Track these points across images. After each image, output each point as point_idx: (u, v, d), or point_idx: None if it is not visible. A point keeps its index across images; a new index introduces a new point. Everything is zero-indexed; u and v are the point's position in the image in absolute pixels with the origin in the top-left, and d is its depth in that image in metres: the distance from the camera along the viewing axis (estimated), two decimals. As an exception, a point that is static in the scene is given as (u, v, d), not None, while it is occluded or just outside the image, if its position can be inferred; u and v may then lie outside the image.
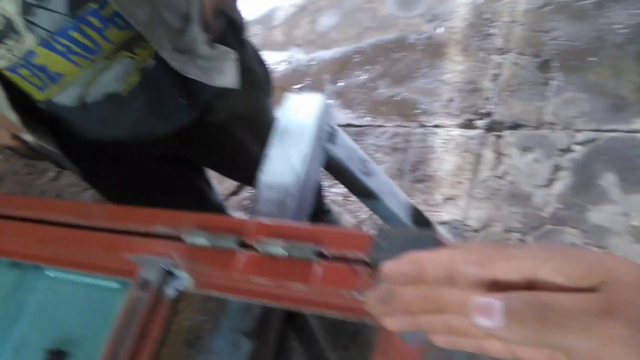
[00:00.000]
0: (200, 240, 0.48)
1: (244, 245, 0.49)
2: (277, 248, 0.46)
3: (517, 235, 1.56)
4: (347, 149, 0.68)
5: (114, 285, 0.57)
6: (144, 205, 1.01)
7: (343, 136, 0.67)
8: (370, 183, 0.70)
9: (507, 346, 0.27)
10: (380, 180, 0.72)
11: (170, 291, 0.50)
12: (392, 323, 0.31)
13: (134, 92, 0.77)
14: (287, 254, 0.45)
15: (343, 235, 0.46)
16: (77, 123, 0.80)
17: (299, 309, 0.45)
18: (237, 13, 0.88)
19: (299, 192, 0.59)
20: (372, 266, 0.43)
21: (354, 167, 0.68)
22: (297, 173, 0.60)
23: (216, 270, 0.48)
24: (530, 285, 0.26)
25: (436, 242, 0.42)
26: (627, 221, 1.45)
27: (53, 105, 0.75)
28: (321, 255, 0.45)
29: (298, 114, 0.64)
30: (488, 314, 0.24)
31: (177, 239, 0.51)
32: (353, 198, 1.80)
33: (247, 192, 1.91)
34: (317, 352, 1.56)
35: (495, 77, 1.84)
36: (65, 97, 0.73)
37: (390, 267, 0.31)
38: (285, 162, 0.61)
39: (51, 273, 0.60)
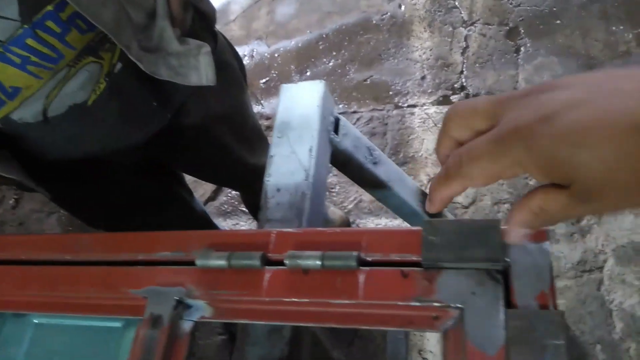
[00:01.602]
0: (217, 261, 0.41)
1: (267, 261, 0.42)
2: (311, 260, 0.39)
3: (506, 206, 1.54)
4: (353, 138, 0.62)
5: (113, 324, 0.49)
6: (124, 222, 0.94)
7: (347, 124, 0.61)
8: (379, 172, 0.64)
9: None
10: (388, 168, 0.66)
11: (186, 325, 0.43)
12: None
13: (102, 101, 0.69)
14: (321, 266, 0.39)
15: (386, 236, 0.40)
16: (41, 141, 0.71)
17: (346, 327, 0.39)
18: (206, 3, 0.80)
19: (312, 191, 0.53)
20: (425, 267, 0.38)
21: (362, 158, 0.62)
22: (306, 170, 0.53)
23: (239, 295, 0.41)
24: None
25: (502, 232, 0.36)
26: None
27: (11, 122, 0.66)
28: (363, 262, 0.39)
29: (298, 106, 0.57)
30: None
31: (187, 263, 0.43)
32: (336, 189, 1.75)
33: (225, 196, 1.83)
34: (320, 352, 1.51)
35: (464, 49, 1.81)
36: (24, 112, 0.64)
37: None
38: (291, 160, 0.54)
39: (36, 319, 0.52)
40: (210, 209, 1.81)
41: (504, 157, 0.28)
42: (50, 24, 0.58)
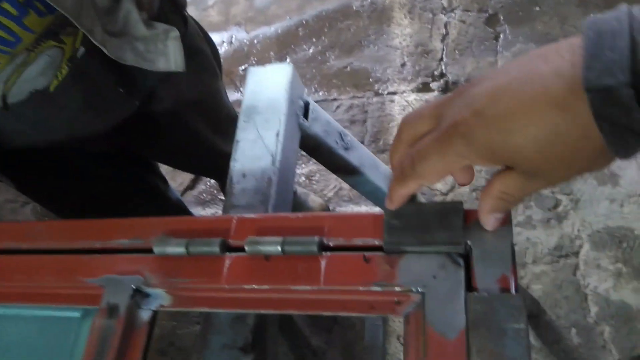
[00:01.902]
0: (175, 248, 0.40)
1: (228, 248, 0.41)
2: (271, 246, 0.38)
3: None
4: (323, 123, 0.60)
5: (71, 314, 0.48)
6: (94, 213, 0.91)
7: (317, 109, 0.60)
8: (351, 158, 0.63)
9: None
10: (361, 153, 0.65)
11: (144, 314, 0.42)
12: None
13: (65, 87, 0.66)
14: (282, 251, 0.38)
15: (348, 221, 0.39)
16: (1, 128, 0.68)
17: (307, 313, 0.38)
18: (175, -15, 0.78)
19: (278, 176, 0.52)
20: (387, 251, 0.37)
21: (333, 143, 0.61)
22: (272, 156, 0.52)
23: (199, 283, 0.40)
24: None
25: (465, 213, 0.35)
26: (589, 166, 1.46)
27: (-32, 110, 0.63)
28: (325, 247, 0.38)
29: (265, 89, 0.56)
30: None
31: (145, 251, 0.42)
32: (316, 177, 1.74)
33: (204, 185, 1.80)
34: (299, 339, 1.51)
35: (444, 36, 1.80)
36: None
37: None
38: (257, 144, 0.53)
39: (-7, 311, 0.50)
40: (188, 198, 1.78)
41: (448, 153, 0.31)
42: (6, 5, 0.56)
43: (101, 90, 0.71)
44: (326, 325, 1.46)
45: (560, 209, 1.43)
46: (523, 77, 0.28)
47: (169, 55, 0.69)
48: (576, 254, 1.37)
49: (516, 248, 1.41)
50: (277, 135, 0.53)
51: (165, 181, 1.14)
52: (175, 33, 0.69)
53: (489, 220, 0.33)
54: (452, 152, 0.30)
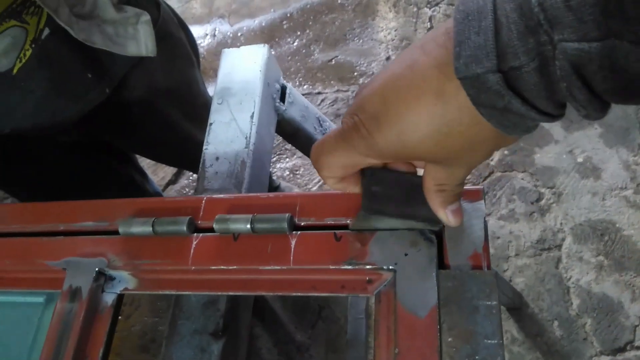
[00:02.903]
0: (141, 229, 0.39)
1: (196, 228, 0.39)
2: (241, 223, 0.37)
3: (468, 186, 1.55)
4: (300, 107, 0.59)
5: (34, 299, 0.46)
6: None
7: (294, 93, 0.59)
8: (329, 143, 0.62)
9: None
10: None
11: (107, 297, 0.40)
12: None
13: (29, 70, 0.63)
14: (252, 230, 0.37)
15: (320, 200, 0.38)
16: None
17: (278, 294, 0.37)
18: (147, -33, 0.76)
19: (252, 159, 0.50)
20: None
21: (311, 128, 0.59)
22: (247, 138, 0.51)
23: (164, 264, 0.39)
24: None
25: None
26: (572, 159, 1.47)
27: None
28: (296, 227, 0.37)
29: (239, 70, 0.54)
30: None
31: (110, 232, 0.40)
32: (300, 172, 1.73)
33: (186, 179, 1.78)
34: (283, 335, 1.50)
35: (429, 30, 1.80)
36: None
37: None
38: (231, 127, 0.51)
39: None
40: (171, 192, 1.76)
41: (353, 153, 0.31)
42: None
43: (68, 74, 0.68)
44: (310, 320, 1.45)
45: (543, 202, 1.44)
46: (406, 73, 0.27)
47: (139, 40, 0.67)
48: (559, 247, 1.38)
49: (499, 241, 1.41)
50: (252, 117, 0.51)
51: (143, 174, 1.11)
52: (146, 17, 0.67)
53: (447, 216, 0.32)
54: (357, 153, 0.30)
